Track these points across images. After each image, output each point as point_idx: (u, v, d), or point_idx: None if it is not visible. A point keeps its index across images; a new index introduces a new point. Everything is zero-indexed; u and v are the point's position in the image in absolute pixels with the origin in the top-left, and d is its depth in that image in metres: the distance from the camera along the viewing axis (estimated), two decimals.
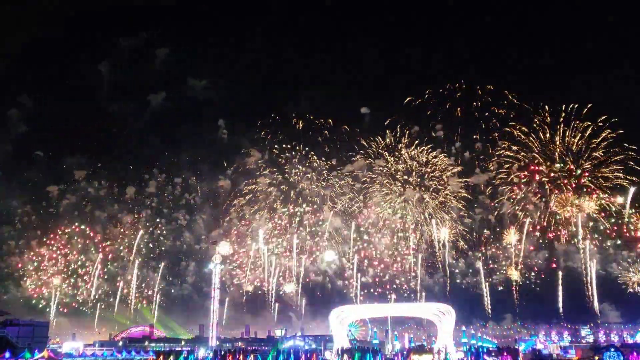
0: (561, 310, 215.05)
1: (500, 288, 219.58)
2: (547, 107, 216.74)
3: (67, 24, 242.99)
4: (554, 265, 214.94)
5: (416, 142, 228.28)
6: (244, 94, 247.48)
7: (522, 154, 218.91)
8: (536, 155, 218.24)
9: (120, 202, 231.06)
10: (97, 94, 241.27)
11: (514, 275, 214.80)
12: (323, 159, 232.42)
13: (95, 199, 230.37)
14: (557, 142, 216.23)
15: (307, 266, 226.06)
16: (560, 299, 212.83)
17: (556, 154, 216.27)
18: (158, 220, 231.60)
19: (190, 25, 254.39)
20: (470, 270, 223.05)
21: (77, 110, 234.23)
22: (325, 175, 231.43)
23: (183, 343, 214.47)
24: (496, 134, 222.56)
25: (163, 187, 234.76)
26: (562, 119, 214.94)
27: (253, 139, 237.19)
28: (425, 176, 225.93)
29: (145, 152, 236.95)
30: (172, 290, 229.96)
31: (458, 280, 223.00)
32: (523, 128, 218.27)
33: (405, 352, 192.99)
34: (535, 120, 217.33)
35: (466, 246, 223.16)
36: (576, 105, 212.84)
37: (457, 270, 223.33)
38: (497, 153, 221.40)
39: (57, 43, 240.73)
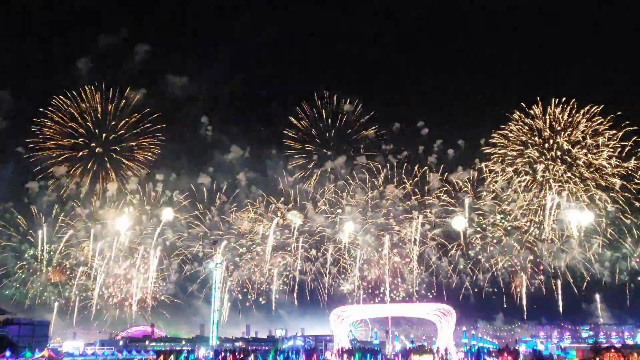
0: (560, 310, 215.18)
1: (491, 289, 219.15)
2: (523, 104, 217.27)
3: (47, 21, 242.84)
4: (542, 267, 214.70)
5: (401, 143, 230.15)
6: (225, 91, 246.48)
7: (508, 150, 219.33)
8: (522, 152, 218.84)
9: (101, 199, 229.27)
10: (76, 91, 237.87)
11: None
12: (304, 155, 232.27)
13: (76, 196, 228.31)
14: (544, 139, 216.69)
15: (298, 265, 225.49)
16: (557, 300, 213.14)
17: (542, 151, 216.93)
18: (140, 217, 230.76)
19: (171, 21, 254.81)
20: (453, 268, 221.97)
21: (56, 107, 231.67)
22: (309, 173, 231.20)
23: (183, 342, 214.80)
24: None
25: (144, 184, 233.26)
26: (548, 115, 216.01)
27: (233, 135, 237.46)
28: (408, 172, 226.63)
29: (126, 148, 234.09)
30: (170, 290, 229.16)
31: (445, 280, 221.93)
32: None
33: (405, 352, 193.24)
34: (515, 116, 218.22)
35: (449, 245, 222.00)
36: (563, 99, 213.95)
37: (444, 270, 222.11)
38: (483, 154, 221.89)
39: (37, 40, 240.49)
